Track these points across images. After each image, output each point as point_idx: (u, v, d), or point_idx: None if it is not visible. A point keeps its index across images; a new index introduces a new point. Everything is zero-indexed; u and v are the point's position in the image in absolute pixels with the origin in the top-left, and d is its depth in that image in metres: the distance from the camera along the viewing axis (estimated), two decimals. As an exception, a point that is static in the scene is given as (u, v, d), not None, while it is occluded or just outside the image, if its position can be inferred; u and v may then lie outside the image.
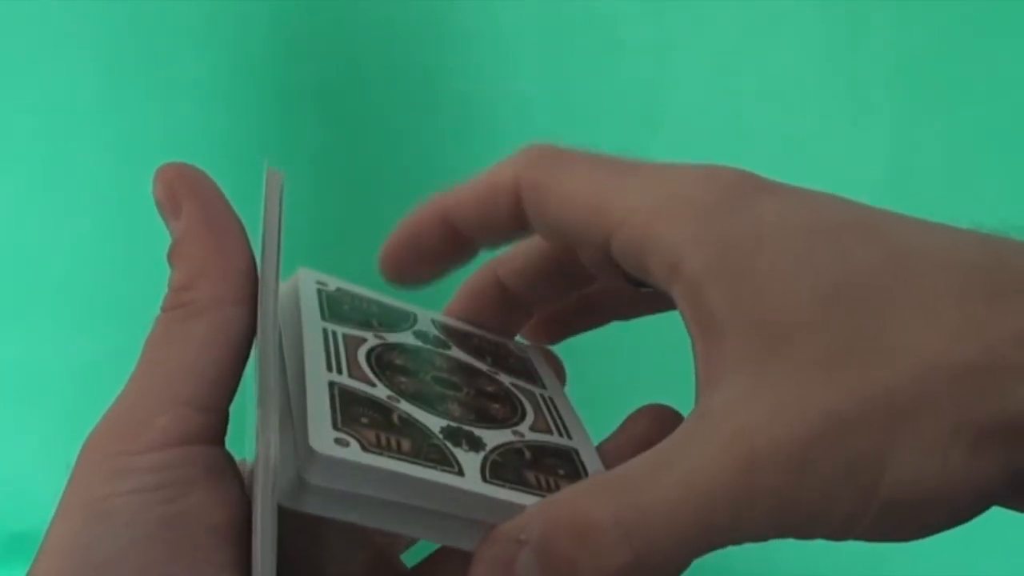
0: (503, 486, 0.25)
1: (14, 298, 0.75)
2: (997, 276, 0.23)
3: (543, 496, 0.25)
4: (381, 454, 0.24)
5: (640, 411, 0.30)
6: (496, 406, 0.30)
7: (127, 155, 0.74)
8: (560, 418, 0.31)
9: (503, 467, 0.26)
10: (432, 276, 0.32)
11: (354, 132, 0.74)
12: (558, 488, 0.26)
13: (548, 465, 0.27)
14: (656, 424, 0.29)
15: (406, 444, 0.25)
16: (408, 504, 0.25)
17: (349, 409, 0.26)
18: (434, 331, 0.33)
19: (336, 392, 0.26)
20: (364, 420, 0.26)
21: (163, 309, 0.26)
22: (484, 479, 0.25)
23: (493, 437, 0.28)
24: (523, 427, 0.29)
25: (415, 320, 0.33)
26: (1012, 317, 0.23)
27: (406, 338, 0.32)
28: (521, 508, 0.25)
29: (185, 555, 0.23)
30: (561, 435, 0.29)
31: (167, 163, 0.27)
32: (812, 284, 0.24)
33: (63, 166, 0.75)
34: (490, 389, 0.30)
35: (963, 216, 0.26)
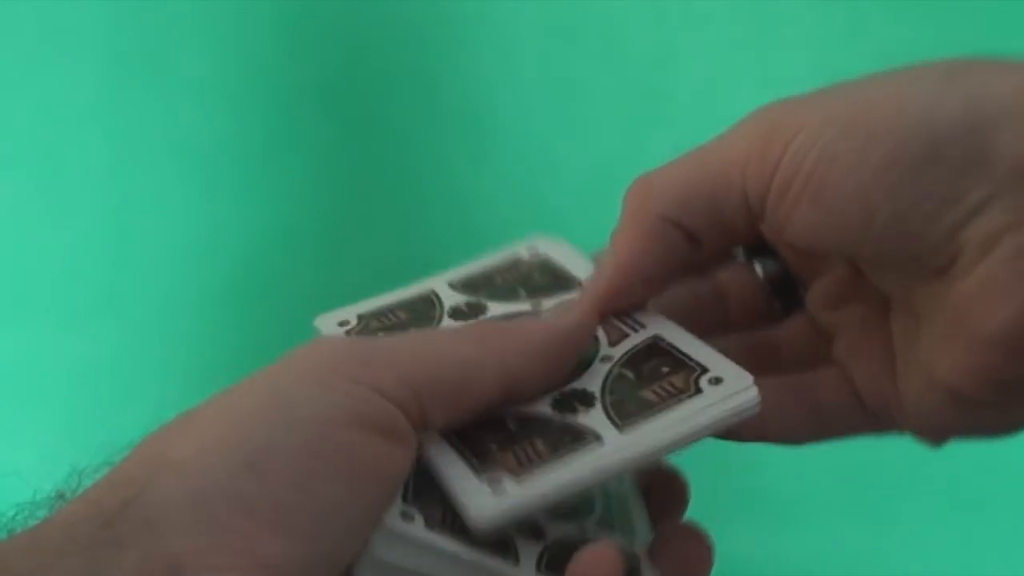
0: (636, 423, 0.26)
1: (14, 298, 0.75)
2: None
3: (668, 409, 0.26)
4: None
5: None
6: None
7: (127, 154, 0.74)
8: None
9: (623, 403, 0.27)
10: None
11: (356, 131, 0.74)
12: (675, 390, 0.27)
13: (652, 371, 0.28)
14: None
15: (540, 445, 0.26)
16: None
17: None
18: (461, 299, 0.33)
19: None
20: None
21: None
22: (619, 429, 0.26)
23: (594, 378, 0.28)
24: (604, 348, 0.29)
25: (439, 301, 0.33)
26: None
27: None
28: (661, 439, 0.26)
29: (347, 476, 0.24)
30: (635, 329, 0.29)
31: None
32: None
33: (63, 166, 0.75)
34: None
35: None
